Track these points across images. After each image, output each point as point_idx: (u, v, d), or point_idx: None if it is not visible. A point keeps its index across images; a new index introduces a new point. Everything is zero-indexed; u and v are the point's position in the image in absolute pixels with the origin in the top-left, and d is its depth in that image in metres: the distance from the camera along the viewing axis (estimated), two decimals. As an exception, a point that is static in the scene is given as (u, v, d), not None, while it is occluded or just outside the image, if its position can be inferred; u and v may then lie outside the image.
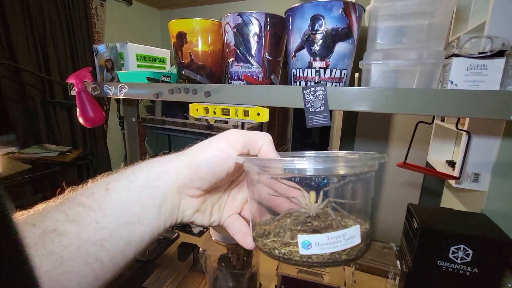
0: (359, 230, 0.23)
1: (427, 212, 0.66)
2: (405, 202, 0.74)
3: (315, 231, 0.23)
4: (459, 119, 0.63)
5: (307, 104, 0.54)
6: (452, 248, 0.58)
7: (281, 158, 0.24)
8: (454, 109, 0.44)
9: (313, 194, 0.24)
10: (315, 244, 0.22)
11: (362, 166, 0.24)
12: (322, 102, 0.53)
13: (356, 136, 1.94)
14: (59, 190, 0.26)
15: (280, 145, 2.55)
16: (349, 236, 0.22)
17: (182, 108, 2.24)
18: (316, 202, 0.25)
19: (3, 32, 1.44)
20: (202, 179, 0.25)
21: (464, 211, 0.68)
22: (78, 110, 0.84)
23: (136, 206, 0.23)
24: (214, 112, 0.65)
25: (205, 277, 0.71)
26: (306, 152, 0.32)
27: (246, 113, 0.62)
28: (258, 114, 0.60)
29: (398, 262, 0.61)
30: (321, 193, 0.24)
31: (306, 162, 0.23)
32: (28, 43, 1.52)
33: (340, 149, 1.68)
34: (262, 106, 0.60)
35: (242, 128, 1.85)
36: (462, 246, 0.58)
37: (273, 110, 2.34)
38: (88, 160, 1.38)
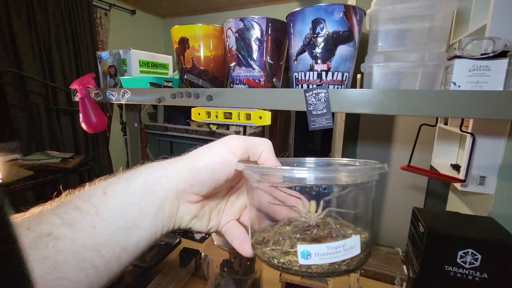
0: (359, 240, 0.22)
1: (433, 215, 0.64)
2: (410, 206, 0.73)
3: (314, 240, 0.23)
4: (462, 121, 0.62)
5: (309, 107, 0.54)
6: (460, 253, 0.57)
7: (282, 167, 0.24)
8: (457, 110, 0.44)
9: (313, 203, 0.24)
10: (315, 254, 0.21)
11: (362, 176, 0.24)
12: (324, 105, 0.53)
13: (358, 139, 1.93)
14: (55, 193, 0.25)
15: (282, 151, 2.55)
16: (349, 246, 0.22)
17: (184, 114, 2.25)
18: (316, 211, 0.24)
19: (9, 41, 1.47)
20: (201, 185, 0.25)
21: (471, 214, 0.66)
22: (81, 115, 0.84)
23: (133, 211, 0.23)
24: (216, 116, 0.65)
25: (207, 284, 0.70)
26: (307, 158, 0.31)
27: (248, 117, 0.62)
28: (260, 118, 0.60)
29: (404, 267, 0.60)
30: (321, 202, 0.24)
31: (306, 172, 0.22)
32: (34, 51, 1.55)
33: (342, 152, 1.68)
34: (264, 110, 0.60)
35: (244, 133, 1.85)
36: (470, 251, 0.56)
37: (275, 116, 2.34)
38: (90, 166, 1.38)
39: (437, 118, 0.65)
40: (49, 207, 0.22)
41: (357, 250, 0.22)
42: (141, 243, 0.23)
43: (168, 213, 0.25)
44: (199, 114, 0.67)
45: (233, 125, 1.96)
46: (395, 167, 1.78)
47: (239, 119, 0.62)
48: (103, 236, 0.21)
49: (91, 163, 1.42)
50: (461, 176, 0.63)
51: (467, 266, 0.57)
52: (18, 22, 1.48)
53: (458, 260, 0.57)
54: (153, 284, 0.63)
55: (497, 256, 0.55)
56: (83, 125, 0.85)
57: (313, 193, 0.24)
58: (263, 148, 0.26)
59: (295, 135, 3.02)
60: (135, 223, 0.23)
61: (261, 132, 2.12)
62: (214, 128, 2.03)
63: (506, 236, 0.57)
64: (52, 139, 1.57)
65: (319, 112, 0.54)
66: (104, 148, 1.83)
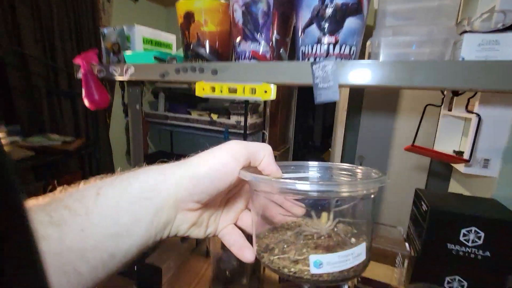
0: (365, 247, 0.24)
1: (436, 196, 0.64)
2: (411, 188, 0.73)
3: (324, 249, 0.24)
4: (468, 101, 0.62)
5: (316, 80, 0.54)
6: (463, 231, 0.57)
7: (291, 181, 0.23)
8: (466, 81, 0.43)
9: (325, 215, 0.26)
10: (327, 263, 0.22)
11: (365, 189, 0.25)
12: (331, 77, 0.52)
13: (362, 109, 1.93)
14: (50, 188, 0.24)
15: (282, 143, 2.55)
16: (356, 254, 0.23)
17: (185, 103, 2.24)
18: (327, 222, 0.25)
19: (11, 24, 1.46)
20: (202, 193, 0.24)
21: (474, 196, 0.66)
22: (83, 91, 0.83)
23: (126, 217, 0.22)
24: (221, 90, 0.64)
25: (207, 260, 0.70)
26: (309, 162, 0.32)
27: (253, 91, 0.61)
28: (265, 92, 0.60)
29: (406, 244, 0.60)
30: (332, 213, 0.25)
31: (318, 186, 0.23)
32: (36, 35, 1.54)
33: (346, 125, 1.69)
34: (270, 84, 0.60)
35: (245, 122, 1.85)
36: (474, 229, 0.56)
37: (276, 107, 2.34)
38: (91, 150, 1.38)
39: (442, 99, 0.65)
40: (41, 202, 0.21)
41: (363, 257, 0.24)
42: (131, 250, 0.22)
43: (164, 221, 0.24)
44: (203, 89, 0.67)
45: (235, 113, 1.96)
46: (399, 140, 1.81)
47: (244, 93, 0.62)
48: (91, 240, 0.20)
49: (92, 147, 1.42)
50: (465, 156, 0.63)
51: (469, 244, 0.57)
52: (20, 6, 1.47)
53: (461, 238, 0.57)
54: (153, 257, 0.63)
55: (501, 235, 0.55)
56: (86, 102, 0.84)
57: (325, 204, 0.26)
58: (265, 154, 0.26)
59: (295, 130, 3.02)
60: (127, 230, 0.22)
61: (261, 122, 2.11)
62: (215, 117, 2.02)
63: (509, 215, 0.57)
64: (53, 122, 1.56)
65: (326, 85, 0.53)
66: (105, 134, 1.82)
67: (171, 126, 2.34)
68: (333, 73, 0.52)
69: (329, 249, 0.24)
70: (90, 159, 1.55)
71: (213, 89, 0.65)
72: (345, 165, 0.30)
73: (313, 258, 0.22)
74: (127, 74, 0.77)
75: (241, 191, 0.31)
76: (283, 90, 2.42)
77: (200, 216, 0.27)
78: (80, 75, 0.84)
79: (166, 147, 2.61)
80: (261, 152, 0.26)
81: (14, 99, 1.50)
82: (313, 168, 0.31)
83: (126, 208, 0.22)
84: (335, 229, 0.26)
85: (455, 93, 0.61)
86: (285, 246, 0.25)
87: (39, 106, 1.53)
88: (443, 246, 0.59)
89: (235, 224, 0.31)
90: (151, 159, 2.43)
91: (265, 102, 2.14)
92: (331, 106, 4.59)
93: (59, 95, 1.52)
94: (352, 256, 0.23)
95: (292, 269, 0.23)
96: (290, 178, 0.30)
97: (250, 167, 0.26)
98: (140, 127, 1.15)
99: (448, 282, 0.60)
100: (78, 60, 0.81)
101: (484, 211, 0.58)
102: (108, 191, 0.22)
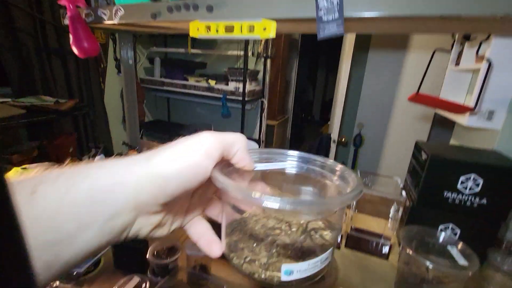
0: (331, 251, 0.25)
1: (436, 146, 0.63)
2: (410, 144, 0.71)
3: (295, 257, 0.25)
4: (480, 45, 0.58)
5: (320, 12, 0.49)
6: (462, 178, 0.56)
7: (269, 196, 0.20)
8: (485, 6, 0.40)
9: (300, 227, 0.26)
10: (297, 271, 0.23)
11: (339, 206, 0.25)
12: (337, 8, 0.48)
13: (370, 46, 1.89)
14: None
15: (280, 114, 2.51)
16: (324, 259, 0.24)
17: (181, 69, 2.17)
18: (301, 235, 0.26)
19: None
20: (169, 196, 0.20)
21: (474, 148, 0.65)
22: (71, 38, 0.78)
23: (68, 222, 0.18)
24: (217, 30, 0.60)
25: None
26: (285, 151, 0.30)
27: (251, 29, 0.57)
28: (265, 29, 0.56)
29: (403, 192, 0.59)
30: (304, 223, 0.26)
31: (290, 204, 0.21)
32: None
33: (352, 61, 1.64)
34: (270, 20, 0.55)
35: (244, 89, 1.80)
36: (473, 176, 0.55)
37: (275, 77, 2.27)
38: (85, 111, 1.34)
39: (452, 44, 0.61)
40: None
41: (329, 260, 0.25)
42: (75, 259, 0.19)
43: (120, 227, 0.20)
44: (198, 29, 0.62)
45: (233, 79, 1.90)
46: (401, 94, 1.79)
47: (241, 32, 0.58)
48: None
49: (86, 108, 1.38)
50: (471, 105, 0.61)
51: (467, 192, 0.57)
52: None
53: (459, 186, 0.57)
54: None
55: (500, 182, 0.55)
56: (74, 49, 0.79)
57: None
58: (239, 147, 0.24)
59: (294, 102, 2.97)
60: (69, 237, 0.18)
61: (260, 90, 2.06)
62: (212, 83, 1.96)
63: (510, 163, 0.56)
64: (45, 84, 1.50)
65: (330, 18, 0.49)
66: (99, 98, 1.77)
67: (167, 93, 2.28)
68: (339, 4, 0.48)
69: (299, 257, 0.25)
70: (85, 121, 1.52)
71: (209, 28, 0.61)
72: (323, 159, 0.29)
73: (284, 267, 0.23)
74: (117, 17, 0.72)
75: (208, 181, 0.28)
76: (284, 54, 2.33)
77: (164, 217, 0.24)
78: (66, 20, 0.79)
79: (163, 115, 2.57)
80: (236, 145, 0.24)
81: (2, 59, 1.43)
82: (288, 157, 0.30)
83: (69, 212, 0.18)
84: (307, 238, 0.26)
85: (467, 37, 0.58)
86: (255, 245, 0.25)
87: (29, 66, 1.46)
88: (440, 194, 0.59)
89: (202, 215, 0.29)
90: (149, 127, 2.39)
91: (264, 69, 2.07)
92: (331, 81, 4.49)
93: (49, 53, 1.44)
94: (321, 261, 0.24)
95: (263, 276, 0.23)
96: (263, 182, 0.29)
97: (223, 160, 0.25)
98: (134, 84, 1.11)
99: (441, 230, 0.61)
100: (63, 1, 0.75)
101: (484, 159, 0.57)
102: (47, 190, 0.18)
